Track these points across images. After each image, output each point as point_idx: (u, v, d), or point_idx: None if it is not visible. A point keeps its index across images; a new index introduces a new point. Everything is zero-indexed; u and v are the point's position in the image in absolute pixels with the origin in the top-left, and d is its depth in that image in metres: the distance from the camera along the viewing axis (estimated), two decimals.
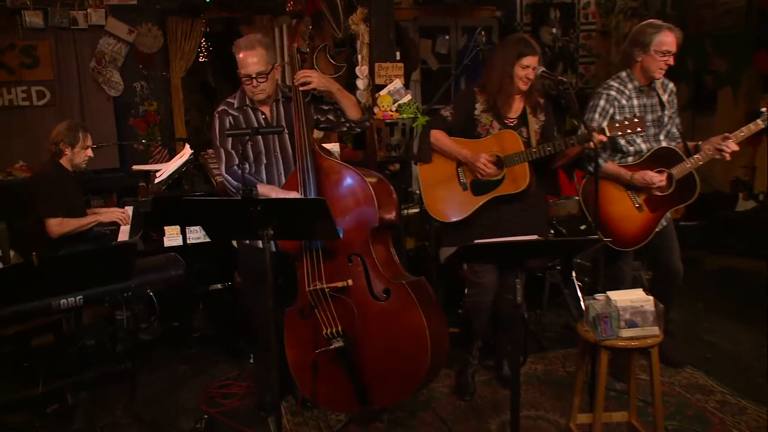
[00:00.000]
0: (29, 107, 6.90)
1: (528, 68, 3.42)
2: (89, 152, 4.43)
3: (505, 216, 3.53)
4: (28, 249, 4.49)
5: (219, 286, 5.26)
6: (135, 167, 5.40)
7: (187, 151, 4.74)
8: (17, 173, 6.67)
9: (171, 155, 7.03)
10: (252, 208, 2.62)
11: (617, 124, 3.29)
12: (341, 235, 2.92)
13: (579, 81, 8.29)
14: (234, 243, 4.08)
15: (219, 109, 3.39)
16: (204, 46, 9.45)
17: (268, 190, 3.21)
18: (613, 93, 3.68)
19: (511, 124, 3.55)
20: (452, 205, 3.57)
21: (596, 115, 3.67)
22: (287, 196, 3.09)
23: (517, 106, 3.56)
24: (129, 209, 4.70)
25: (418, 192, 4.15)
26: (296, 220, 2.74)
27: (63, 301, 3.06)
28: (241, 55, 3.26)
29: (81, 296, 3.10)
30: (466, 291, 3.74)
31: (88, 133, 4.44)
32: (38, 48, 6.86)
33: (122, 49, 7.06)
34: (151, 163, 6.84)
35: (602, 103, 3.68)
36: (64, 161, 4.35)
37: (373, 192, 3.08)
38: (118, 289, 3.20)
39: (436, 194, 3.62)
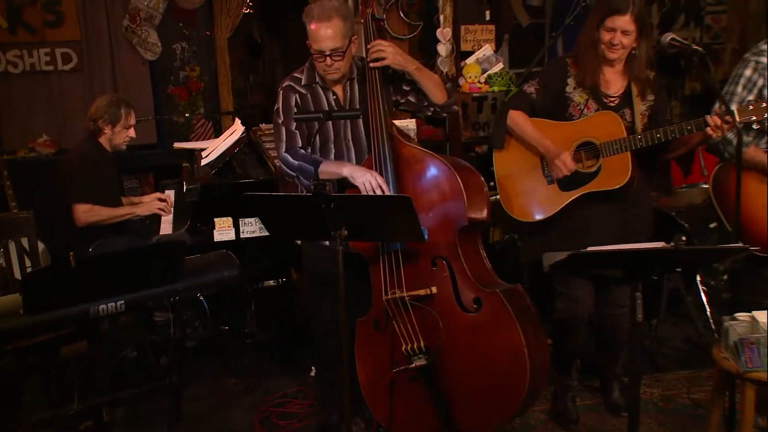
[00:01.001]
0: (53, 72, 7.03)
1: (613, 32, 3.28)
2: (131, 132, 4.58)
3: (598, 217, 3.45)
4: (58, 241, 4.64)
5: (272, 282, 5.35)
6: (177, 145, 5.50)
7: (238, 128, 4.79)
8: (41, 149, 6.83)
9: (216, 130, 7.12)
10: (324, 206, 2.64)
11: (751, 107, 3.14)
12: (427, 237, 2.91)
13: (705, 35, 8.02)
14: None
15: (284, 85, 3.42)
16: None
17: (335, 167, 3.20)
18: (764, 60, 3.51)
19: (612, 104, 3.44)
20: (533, 200, 3.53)
21: (738, 88, 3.53)
22: (366, 176, 3.10)
23: (619, 81, 3.45)
24: (170, 194, 4.79)
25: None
26: (375, 219, 2.76)
27: (102, 307, 3.12)
28: (312, 27, 3.22)
29: (122, 301, 3.16)
30: (556, 304, 3.69)
31: (132, 110, 4.58)
32: (63, 3, 6.95)
33: (160, 5, 7.12)
34: (193, 139, 6.95)
35: (748, 72, 3.52)
36: (102, 140, 4.49)
37: (461, 185, 3.07)
38: (165, 292, 3.25)
39: (514, 187, 3.58)
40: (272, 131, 5.01)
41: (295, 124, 3.34)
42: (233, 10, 7.29)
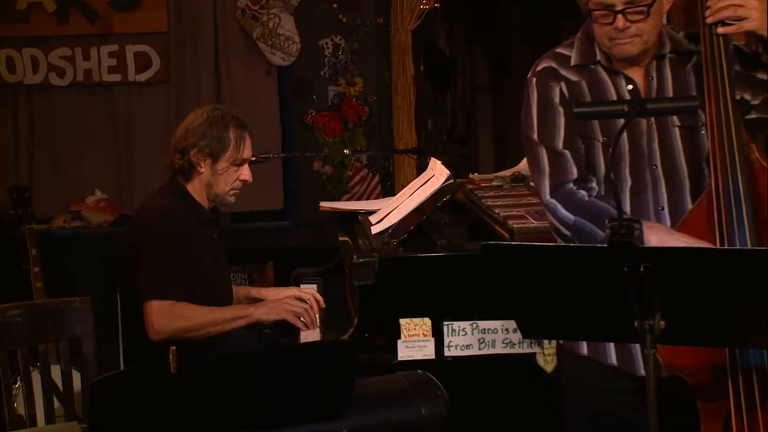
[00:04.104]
0: (120, 85, 7.36)
1: None
2: (245, 173, 4.55)
3: None
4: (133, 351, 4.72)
5: None
6: (325, 205, 5.59)
7: (439, 173, 4.80)
8: (90, 214, 7.07)
9: (385, 189, 7.12)
10: (628, 268, 2.57)
11: None
12: None
13: None
14: (541, 357, 4.08)
15: (539, 68, 3.48)
16: None
17: (649, 233, 3.12)
18: None
19: None
20: None
21: None
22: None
23: None
24: (312, 291, 4.80)
25: None
26: (721, 298, 2.66)
27: None
28: None
29: None
30: None
31: (247, 133, 4.56)
32: None
33: None
34: (346, 200, 6.99)
35: None
36: (193, 188, 4.52)
37: None
38: None
39: None
40: (489, 183, 5.08)
41: (562, 139, 3.36)
42: None
